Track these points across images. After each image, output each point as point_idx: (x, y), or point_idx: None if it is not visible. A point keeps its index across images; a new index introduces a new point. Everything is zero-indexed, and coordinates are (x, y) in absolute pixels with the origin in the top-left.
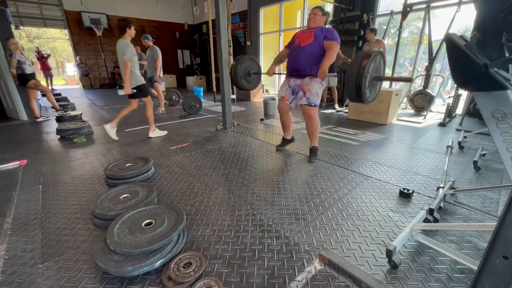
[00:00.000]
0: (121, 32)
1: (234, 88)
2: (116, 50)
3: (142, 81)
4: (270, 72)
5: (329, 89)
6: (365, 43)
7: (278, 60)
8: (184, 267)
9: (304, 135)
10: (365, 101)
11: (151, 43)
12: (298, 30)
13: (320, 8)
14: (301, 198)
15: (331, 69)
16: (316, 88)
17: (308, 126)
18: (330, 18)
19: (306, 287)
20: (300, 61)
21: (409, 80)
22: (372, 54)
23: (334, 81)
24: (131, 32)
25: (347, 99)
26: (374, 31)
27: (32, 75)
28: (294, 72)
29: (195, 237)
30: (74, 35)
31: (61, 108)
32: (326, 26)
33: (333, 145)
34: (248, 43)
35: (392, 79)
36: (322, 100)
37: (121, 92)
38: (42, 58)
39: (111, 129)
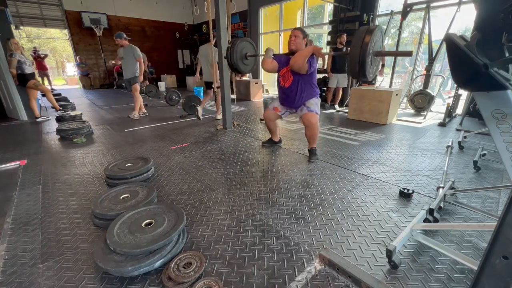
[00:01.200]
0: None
1: (234, 88)
2: (205, 53)
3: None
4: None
5: (335, 89)
6: None
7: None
8: (184, 267)
9: (304, 136)
10: (368, 77)
11: (126, 42)
12: (279, 56)
13: (301, 31)
14: (301, 198)
15: (342, 70)
16: (314, 102)
17: (308, 131)
18: (330, 18)
19: (306, 287)
20: (291, 99)
21: (409, 54)
22: (373, 29)
23: (344, 82)
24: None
25: (348, 99)
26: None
27: (32, 75)
28: (288, 105)
29: (195, 237)
30: (74, 35)
31: (61, 108)
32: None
33: (333, 145)
34: None
35: (392, 54)
36: (326, 101)
37: (214, 86)
38: (38, 58)
39: (200, 109)
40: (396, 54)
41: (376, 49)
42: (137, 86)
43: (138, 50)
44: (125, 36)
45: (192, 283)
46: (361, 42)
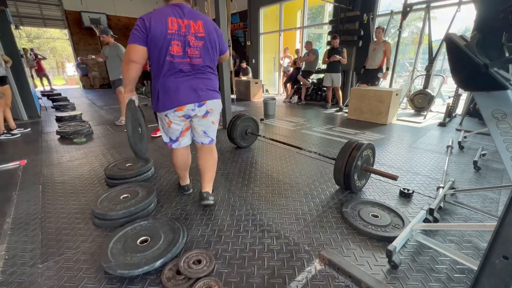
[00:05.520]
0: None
1: (234, 88)
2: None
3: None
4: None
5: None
6: (372, 42)
7: None
8: (194, 264)
9: (304, 135)
10: (354, 190)
11: (111, 40)
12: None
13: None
14: (301, 198)
15: (335, 70)
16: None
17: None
18: (330, 18)
19: (306, 287)
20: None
21: (395, 178)
22: (361, 146)
23: (338, 82)
24: None
25: (347, 99)
26: (384, 30)
27: None
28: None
29: (195, 237)
30: (74, 35)
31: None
32: None
33: (333, 145)
34: (248, 43)
35: (379, 173)
36: (327, 101)
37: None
38: (36, 58)
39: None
40: (382, 174)
41: (364, 165)
42: (121, 89)
43: (124, 49)
44: (111, 33)
45: (192, 283)
46: (348, 156)
